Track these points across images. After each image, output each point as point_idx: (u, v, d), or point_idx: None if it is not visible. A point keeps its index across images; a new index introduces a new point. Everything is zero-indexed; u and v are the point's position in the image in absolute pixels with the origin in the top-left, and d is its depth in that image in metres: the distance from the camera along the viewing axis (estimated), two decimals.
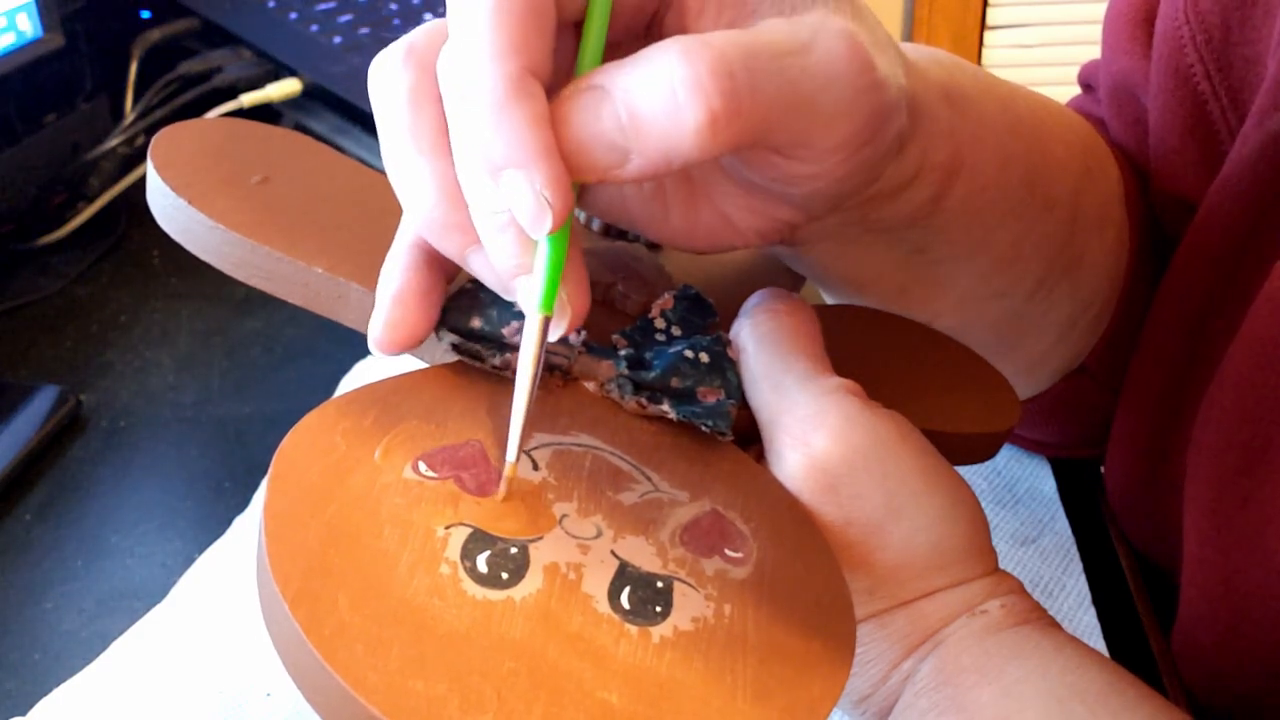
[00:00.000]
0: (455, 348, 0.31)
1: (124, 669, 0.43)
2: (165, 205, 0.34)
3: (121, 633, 0.45)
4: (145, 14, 0.83)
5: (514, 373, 0.31)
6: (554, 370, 0.32)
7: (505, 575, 0.25)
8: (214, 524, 0.51)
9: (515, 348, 0.31)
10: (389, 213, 0.33)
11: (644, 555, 0.27)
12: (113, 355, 0.63)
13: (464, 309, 0.31)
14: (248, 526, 0.50)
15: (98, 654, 0.44)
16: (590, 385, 0.32)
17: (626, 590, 0.26)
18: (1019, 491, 0.52)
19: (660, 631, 0.25)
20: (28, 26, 0.68)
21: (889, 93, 0.30)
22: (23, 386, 0.59)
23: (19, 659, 0.44)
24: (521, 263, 0.28)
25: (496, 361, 0.31)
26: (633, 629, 0.25)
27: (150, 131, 0.78)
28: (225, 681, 0.42)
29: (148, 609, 0.46)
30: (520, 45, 0.26)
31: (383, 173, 0.37)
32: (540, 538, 0.27)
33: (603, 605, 0.26)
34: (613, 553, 0.27)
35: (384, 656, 0.23)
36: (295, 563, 0.24)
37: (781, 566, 0.28)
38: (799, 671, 0.26)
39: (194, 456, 0.55)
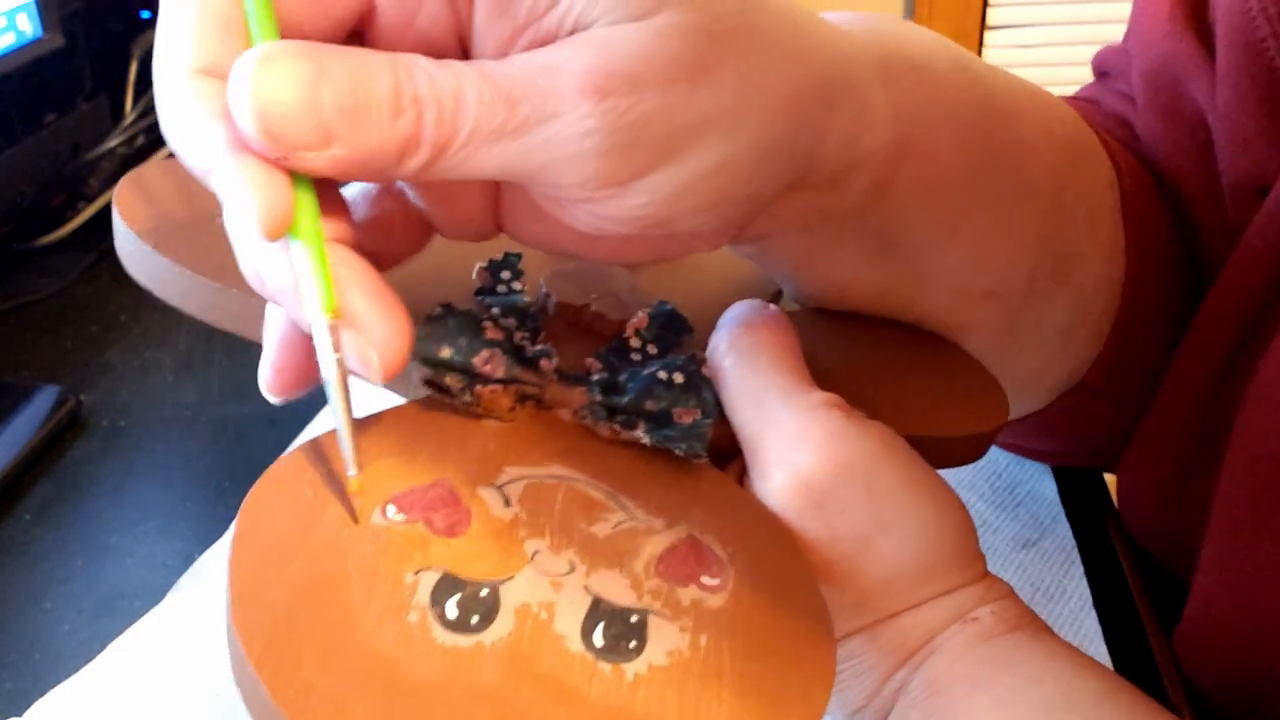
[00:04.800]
0: (426, 382, 0.30)
1: (123, 669, 0.43)
2: (130, 252, 0.33)
3: (121, 633, 0.45)
4: (145, 14, 0.83)
5: (484, 408, 0.30)
6: (526, 400, 0.31)
7: (475, 619, 0.25)
8: (214, 524, 0.51)
9: (485, 378, 0.30)
10: None
11: (618, 588, 0.27)
12: (113, 355, 0.63)
13: (435, 337, 0.31)
14: None
15: (97, 654, 0.44)
16: (564, 413, 0.31)
17: (600, 626, 0.26)
18: (1020, 494, 0.52)
19: (634, 669, 0.25)
20: (28, 26, 0.68)
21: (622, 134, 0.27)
22: (23, 386, 0.58)
23: (19, 659, 0.44)
24: (272, 267, 0.26)
25: (466, 397, 0.30)
26: (606, 667, 0.25)
27: (150, 131, 0.78)
28: (223, 683, 0.42)
29: (148, 609, 0.46)
30: (196, 44, 0.26)
31: None
32: (511, 577, 0.26)
33: (575, 644, 0.25)
34: (585, 588, 0.26)
35: (350, 714, 0.22)
36: (260, 621, 0.23)
37: (760, 591, 0.28)
38: (775, 705, 0.25)
39: (194, 456, 0.55)
